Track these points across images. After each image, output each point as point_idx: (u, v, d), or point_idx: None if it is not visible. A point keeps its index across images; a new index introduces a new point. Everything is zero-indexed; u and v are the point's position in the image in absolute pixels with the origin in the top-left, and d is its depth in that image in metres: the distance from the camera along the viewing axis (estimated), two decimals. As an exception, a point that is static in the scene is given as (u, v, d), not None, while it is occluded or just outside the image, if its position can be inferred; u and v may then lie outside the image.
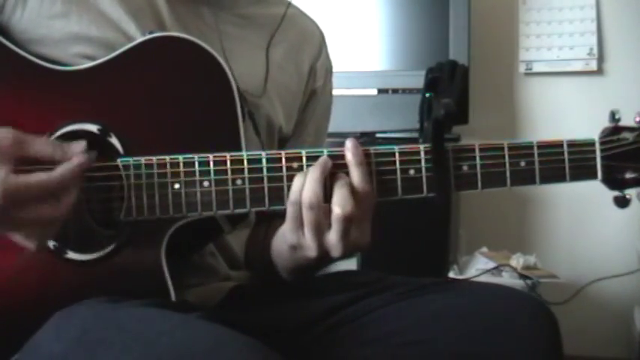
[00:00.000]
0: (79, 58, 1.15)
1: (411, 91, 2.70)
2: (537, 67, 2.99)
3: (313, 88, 1.40)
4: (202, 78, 1.13)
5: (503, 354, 1.07)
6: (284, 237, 1.13)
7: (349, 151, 1.10)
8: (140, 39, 1.14)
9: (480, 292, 1.17)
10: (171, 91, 1.13)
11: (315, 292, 1.20)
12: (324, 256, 1.09)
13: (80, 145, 1.04)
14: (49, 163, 1.01)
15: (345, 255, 1.09)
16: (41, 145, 1.02)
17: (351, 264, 2.57)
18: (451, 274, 2.53)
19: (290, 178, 1.09)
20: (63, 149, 1.03)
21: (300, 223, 1.08)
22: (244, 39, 1.30)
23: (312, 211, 1.06)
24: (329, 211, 1.07)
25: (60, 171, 1.01)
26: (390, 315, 1.13)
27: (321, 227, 1.07)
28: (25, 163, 1.00)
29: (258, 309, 1.21)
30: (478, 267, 2.59)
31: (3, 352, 1.08)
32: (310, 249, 1.08)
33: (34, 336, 1.04)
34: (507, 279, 2.51)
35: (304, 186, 1.07)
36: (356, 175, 1.09)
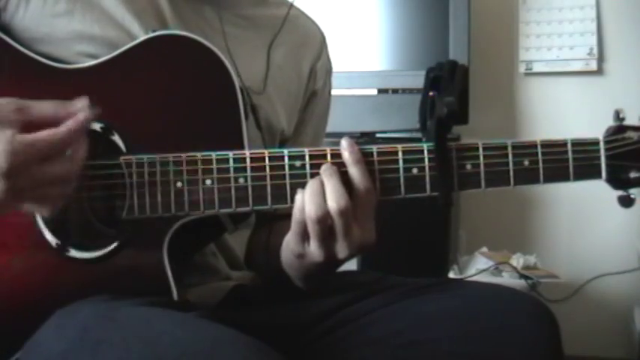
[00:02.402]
0: (82, 56, 1.15)
1: (411, 91, 2.70)
2: (537, 67, 2.99)
3: (314, 89, 1.40)
4: (205, 76, 1.13)
5: (503, 354, 1.07)
6: (288, 247, 1.12)
7: (345, 150, 1.09)
8: (143, 37, 1.14)
9: (480, 292, 1.16)
10: (173, 89, 1.13)
11: (315, 293, 1.20)
12: (331, 260, 1.08)
13: (82, 101, 1.02)
14: (53, 125, 0.99)
15: (352, 255, 1.08)
16: (44, 106, 1.00)
17: (351, 264, 2.57)
18: (451, 274, 2.53)
19: (292, 177, 1.09)
20: (65, 107, 1.01)
21: (305, 236, 1.07)
22: (246, 39, 1.30)
23: (318, 225, 1.05)
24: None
25: (66, 125, 0.99)
26: (390, 315, 1.13)
27: (325, 234, 1.06)
28: (30, 126, 0.98)
29: (258, 309, 1.21)
30: (478, 267, 2.59)
31: (4, 350, 1.08)
32: (316, 255, 1.07)
33: (35, 334, 1.04)
34: (507, 279, 2.51)
35: (305, 202, 1.06)
36: (355, 173, 1.08)
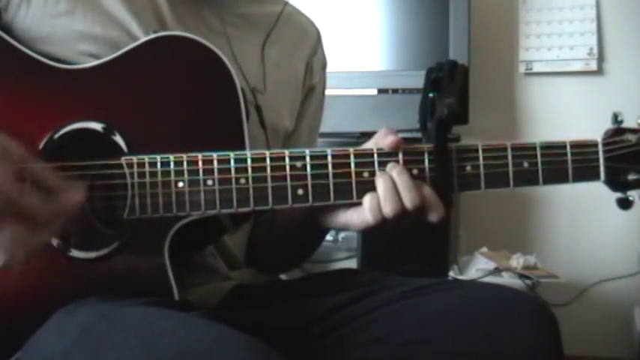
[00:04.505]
0: (84, 56, 1.15)
1: (411, 91, 2.70)
2: (537, 67, 2.98)
3: (311, 84, 1.41)
4: (206, 76, 1.13)
5: (503, 354, 1.07)
6: (343, 220, 1.14)
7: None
8: (144, 38, 1.14)
9: (480, 292, 1.17)
10: (175, 89, 1.13)
11: (315, 292, 1.21)
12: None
13: (81, 186, 1.02)
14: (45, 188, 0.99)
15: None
16: (44, 169, 0.99)
17: (351, 264, 2.57)
18: (451, 274, 2.52)
19: (293, 178, 1.09)
20: (64, 182, 1.00)
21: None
22: (246, 39, 1.31)
23: (395, 220, 1.10)
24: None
25: (59, 204, 0.98)
26: (390, 315, 1.13)
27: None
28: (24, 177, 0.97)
29: (258, 308, 1.21)
30: (478, 267, 2.59)
31: (4, 350, 1.08)
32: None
33: (36, 334, 1.04)
34: (507, 279, 2.51)
35: (381, 200, 1.10)
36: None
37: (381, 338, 1.12)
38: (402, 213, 1.09)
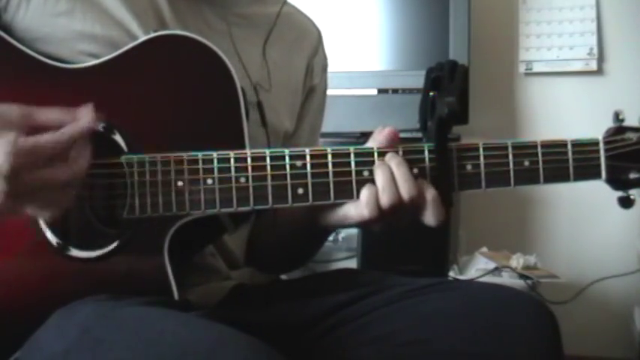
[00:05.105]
0: (84, 55, 1.15)
1: (411, 91, 2.70)
2: (537, 67, 2.99)
3: (311, 84, 1.41)
4: (206, 75, 1.13)
5: (503, 354, 1.07)
6: (339, 215, 1.14)
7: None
8: (144, 37, 1.14)
9: (480, 292, 1.17)
10: (174, 88, 1.13)
11: (315, 292, 1.21)
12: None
13: (87, 107, 1.01)
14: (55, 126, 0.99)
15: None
16: (49, 112, 1.00)
17: (351, 264, 2.57)
18: (451, 274, 2.52)
19: (293, 177, 1.09)
20: (70, 113, 1.00)
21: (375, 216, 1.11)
22: (247, 38, 1.31)
23: (391, 211, 1.10)
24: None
25: (69, 129, 0.99)
26: (390, 315, 1.14)
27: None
28: (34, 132, 0.97)
29: (259, 308, 1.21)
30: (478, 267, 2.59)
31: (4, 350, 1.07)
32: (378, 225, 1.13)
33: (35, 334, 1.04)
34: (507, 279, 2.51)
35: (379, 190, 1.10)
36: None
37: (381, 338, 1.12)
38: (399, 204, 1.09)
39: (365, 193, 1.10)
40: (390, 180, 1.09)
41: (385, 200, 1.09)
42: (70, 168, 0.99)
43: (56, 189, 0.99)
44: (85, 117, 1.00)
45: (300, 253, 1.39)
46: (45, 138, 0.97)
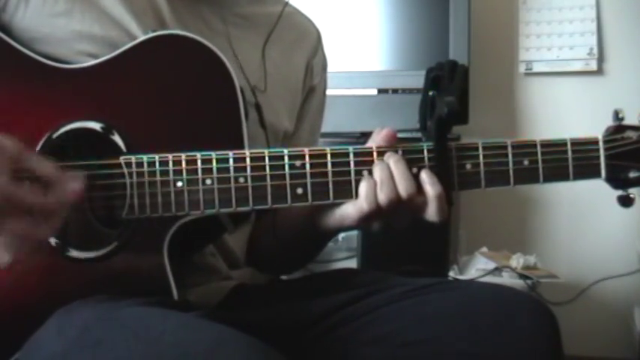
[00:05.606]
0: (83, 56, 1.15)
1: (411, 91, 2.70)
2: (537, 67, 2.99)
3: (311, 85, 1.41)
4: (205, 75, 1.13)
5: (503, 354, 1.07)
6: (337, 216, 1.15)
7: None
8: (143, 37, 1.14)
9: (480, 292, 1.17)
10: (173, 88, 1.13)
11: (315, 292, 1.21)
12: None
13: (78, 179, 1.01)
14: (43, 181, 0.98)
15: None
16: (43, 165, 0.99)
17: (351, 264, 2.57)
18: (451, 274, 2.53)
19: (293, 177, 1.09)
20: (63, 176, 1.00)
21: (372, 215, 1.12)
22: (246, 39, 1.31)
23: (390, 208, 1.10)
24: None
25: (57, 196, 0.98)
26: (391, 315, 1.13)
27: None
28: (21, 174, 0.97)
29: (259, 308, 1.21)
30: (478, 267, 2.59)
31: (4, 350, 1.07)
32: (376, 226, 1.13)
33: (35, 335, 1.04)
34: (507, 279, 2.51)
35: (377, 187, 1.10)
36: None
37: (381, 338, 1.12)
38: (397, 201, 1.09)
39: (363, 186, 1.10)
40: (388, 177, 1.10)
41: (383, 195, 1.09)
42: (41, 228, 0.97)
43: (19, 239, 0.97)
44: (75, 188, 0.99)
45: (301, 256, 1.39)
46: (32, 196, 0.96)
